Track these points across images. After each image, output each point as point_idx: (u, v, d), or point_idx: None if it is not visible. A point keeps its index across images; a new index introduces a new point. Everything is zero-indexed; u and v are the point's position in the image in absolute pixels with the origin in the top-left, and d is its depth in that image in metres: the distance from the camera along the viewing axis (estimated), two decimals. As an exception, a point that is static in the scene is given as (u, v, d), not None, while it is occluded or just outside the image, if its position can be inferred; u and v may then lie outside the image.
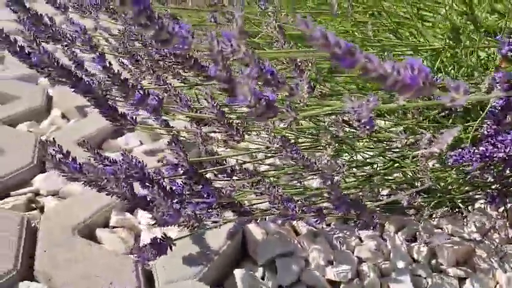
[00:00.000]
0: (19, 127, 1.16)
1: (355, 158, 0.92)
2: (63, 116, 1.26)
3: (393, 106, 0.59)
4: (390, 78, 0.33)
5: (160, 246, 0.57)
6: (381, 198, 0.87)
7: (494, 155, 0.70)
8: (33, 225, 0.80)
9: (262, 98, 0.45)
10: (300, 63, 0.68)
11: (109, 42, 1.20)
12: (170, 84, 0.74)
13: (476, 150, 0.70)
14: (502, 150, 0.70)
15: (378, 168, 0.94)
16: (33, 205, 0.88)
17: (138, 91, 0.55)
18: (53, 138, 0.56)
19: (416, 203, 0.74)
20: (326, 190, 0.75)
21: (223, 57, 0.45)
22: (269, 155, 0.86)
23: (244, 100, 0.44)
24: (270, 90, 0.49)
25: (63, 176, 0.51)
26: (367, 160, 0.93)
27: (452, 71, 1.13)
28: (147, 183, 0.56)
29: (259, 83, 0.49)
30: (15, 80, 1.38)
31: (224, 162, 0.76)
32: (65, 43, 0.74)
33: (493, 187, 0.84)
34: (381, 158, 0.91)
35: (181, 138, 0.86)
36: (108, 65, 0.54)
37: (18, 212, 0.81)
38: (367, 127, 0.53)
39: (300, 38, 1.12)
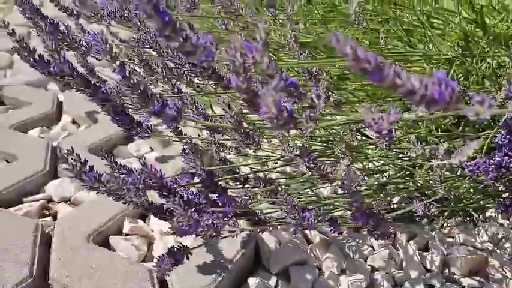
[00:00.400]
0: (30, 133, 1.16)
1: (366, 166, 0.92)
2: (74, 122, 1.27)
3: (412, 117, 0.59)
4: (418, 93, 0.33)
5: (177, 255, 0.57)
6: (394, 207, 0.88)
7: (511, 166, 0.70)
8: (46, 232, 0.80)
9: (283, 109, 0.45)
10: (315, 73, 0.68)
11: (120, 48, 1.20)
12: (186, 93, 0.74)
13: (491, 161, 0.70)
14: (518, 161, 0.70)
15: (390, 177, 0.94)
16: (46, 212, 0.88)
17: (157, 101, 0.55)
18: (71, 148, 0.56)
19: (430, 213, 0.74)
20: (345, 201, 0.75)
21: (245, 69, 0.45)
22: (280, 163, 0.86)
23: (267, 112, 0.44)
24: (292, 102, 0.49)
25: (83, 185, 0.51)
26: (378, 168, 0.93)
27: (462, 78, 1.12)
28: (165, 193, 0.56)
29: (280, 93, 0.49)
30: (26, 86, 1.39)
31: (238, 170, 0.76)
32: (81, 51, 0.74)
33: (504, 196, 0.83)
34: (392, 166, 0.91)
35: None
36: (128, 74, 0.54)
37: (32, 219, 0.81)
38: (387, 139, 0.53)
39: (311, 45, 1.12)
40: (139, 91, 0.56)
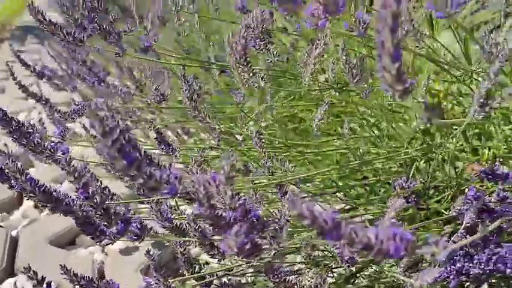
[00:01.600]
0: (-11, 221, 1.12)
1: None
2: (36, 206, 1.23)
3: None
4: (375, 248, 0.34)
5: None
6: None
7: (471, 272, 0.71)
8: None
9: (246, 244, 0.46)
10: (283, 185, 0.70)
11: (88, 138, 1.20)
12: (151, 198, 0.74)
13: (452, 267, 0.71)
14: (478, 267, 0.71)
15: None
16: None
17: (121, 220, 0.55)
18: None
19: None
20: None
21: (209, 198, 0.46)
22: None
23: (230, 251, 0.44)
24: (255, 233, 0.50)
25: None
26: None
27: (423, 162, 1.16)
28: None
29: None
30: (-12, 167, 1.36)
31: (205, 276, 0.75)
32: (46, 154, 0.74)
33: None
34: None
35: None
36: (91, 194, 0.54)
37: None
38: (349, 262, 0.54)
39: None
40: (103, 210, 0.56)
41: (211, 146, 0.93)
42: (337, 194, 1.09)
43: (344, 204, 1.10)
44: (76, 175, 0.54)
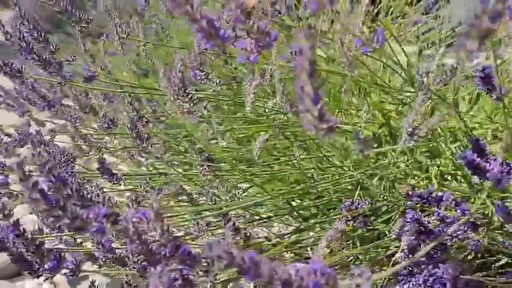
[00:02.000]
0: None
1: None
2: (-19, 236, 1.19)
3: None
4: (294, 284, 0.35)
5: None
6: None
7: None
8: None
9: (176, 280, 0.46)
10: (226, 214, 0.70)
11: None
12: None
13: (397, 288, 0.73)
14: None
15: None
16: None
17: (54, 257, 0.54)
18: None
19: None
20: None
21: (139, 234, 0.46)
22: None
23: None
24: (187, 268, 0.50)
25: None
26: None
27: (377, 179, 1.18)
28: None
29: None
30: None
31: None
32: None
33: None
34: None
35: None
36: (22, 232, 0.53)
37: None
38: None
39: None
40: (34, 247, 0.54)
41: (160, 173, 0.92)
42: (290, 214, 1.10)
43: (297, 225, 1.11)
44: (5, 213, 0.53)
